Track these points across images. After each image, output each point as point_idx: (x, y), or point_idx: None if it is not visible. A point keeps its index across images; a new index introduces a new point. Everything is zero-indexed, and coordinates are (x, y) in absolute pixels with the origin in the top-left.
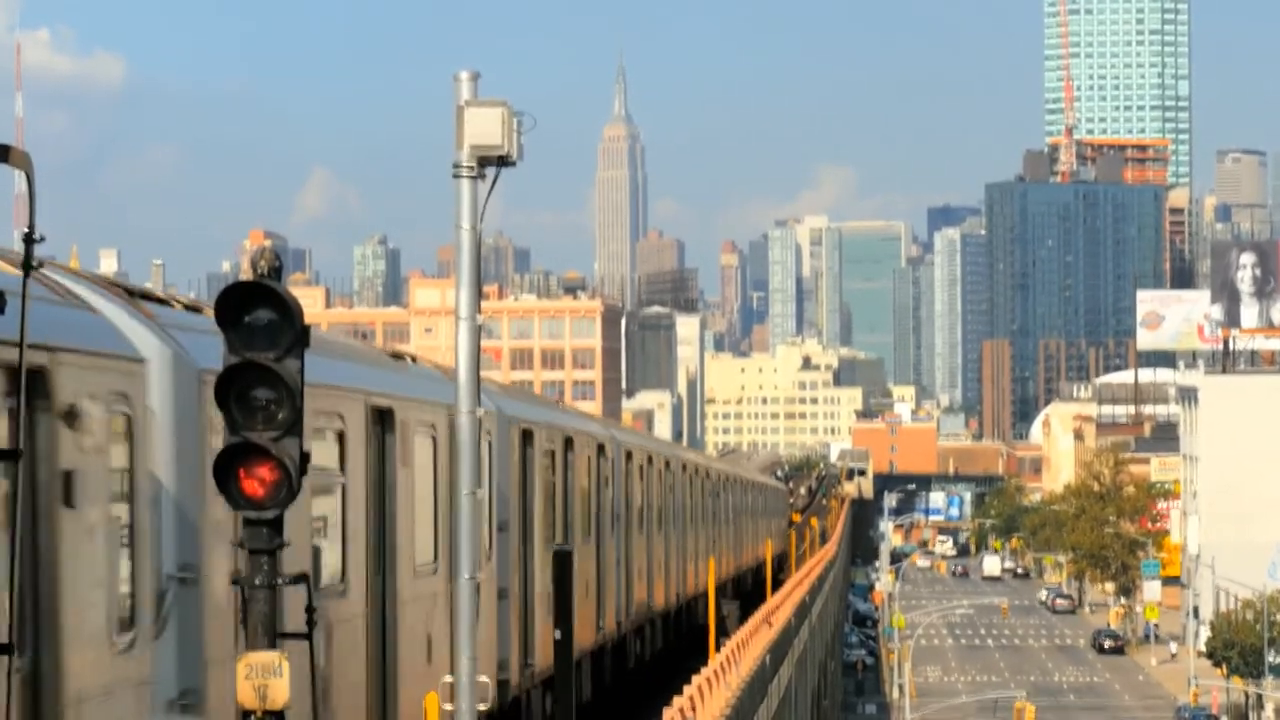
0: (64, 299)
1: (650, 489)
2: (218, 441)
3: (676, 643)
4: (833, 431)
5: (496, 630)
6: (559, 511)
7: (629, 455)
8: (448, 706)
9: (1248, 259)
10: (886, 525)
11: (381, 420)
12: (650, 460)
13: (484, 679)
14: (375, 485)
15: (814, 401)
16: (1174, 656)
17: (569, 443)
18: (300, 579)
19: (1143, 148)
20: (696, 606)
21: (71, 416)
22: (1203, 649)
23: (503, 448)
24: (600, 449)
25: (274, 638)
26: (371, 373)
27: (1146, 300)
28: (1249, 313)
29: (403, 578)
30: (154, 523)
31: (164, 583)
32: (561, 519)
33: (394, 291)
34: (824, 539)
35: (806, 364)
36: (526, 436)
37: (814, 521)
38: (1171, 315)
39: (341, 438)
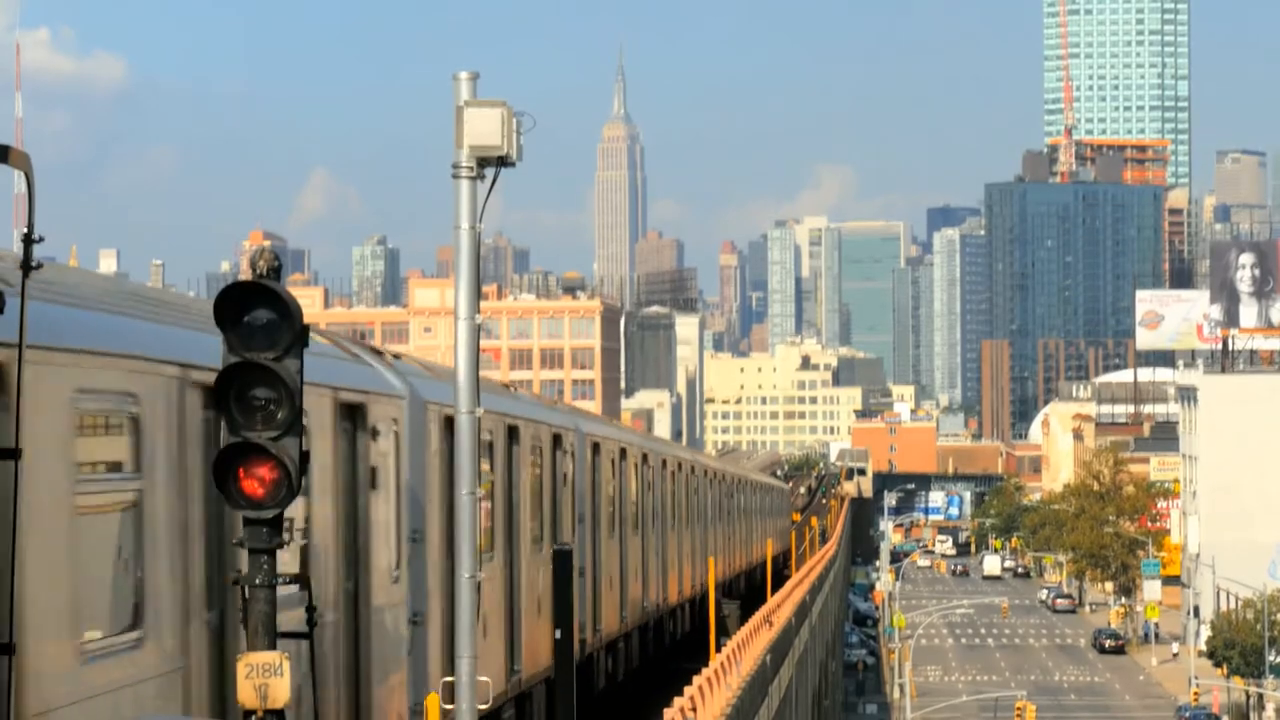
0: (355, 359)
1: (680, 491)
2: (435, 445)
3: (701, 625)
4: (832, 431)
5: (578, 600)
6: (616, 508)
7: (664, 462)
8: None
9: (1247, 259)
10: (886, 525)
11: (556, 442)
12: (680, 466)
13: (484, 679)
14: (551, 481)
15: (813, 401)
16: (1174, 656)
17: (623, 452)
18: (299, 579)
19: (1142, 148)
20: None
21: (375, 432)
22: (1203, 648)
23: (581, 458)
24: (644, 457)
25: (274, 637)
26: (546, 411)
27: (1145, 300)
28: (1248, 312)
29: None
30: (405, 500)
31: (406, 541)
32: (619, 514)
33: (393, 291)
34: (824, 538)
35: (806, 364)
36: (595, 448)
37: (814, 521)
38: (1171, 315)
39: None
